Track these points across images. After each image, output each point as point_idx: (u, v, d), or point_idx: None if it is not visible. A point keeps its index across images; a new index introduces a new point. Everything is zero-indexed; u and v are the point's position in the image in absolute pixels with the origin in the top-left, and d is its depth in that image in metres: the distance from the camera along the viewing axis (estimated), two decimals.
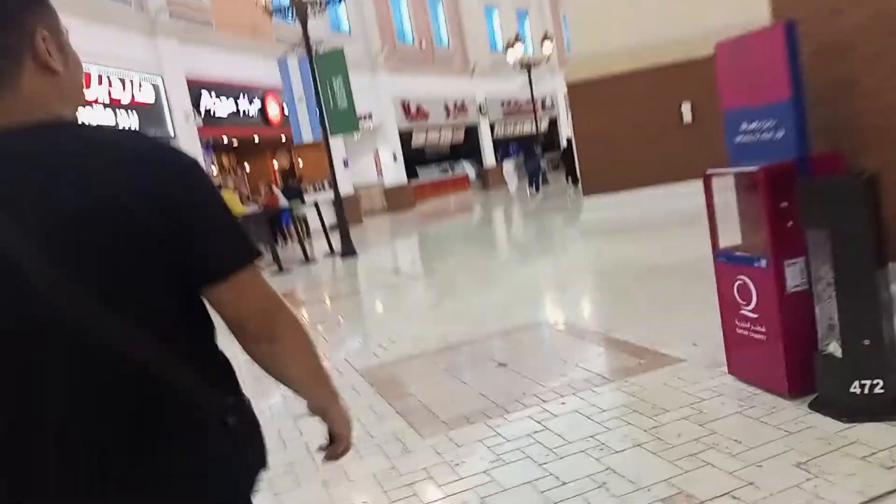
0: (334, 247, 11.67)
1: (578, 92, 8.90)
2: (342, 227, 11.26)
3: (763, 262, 2.96)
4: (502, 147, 24.57)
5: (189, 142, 12.97)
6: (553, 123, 29.68)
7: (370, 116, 20.10)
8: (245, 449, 1.01)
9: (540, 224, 12.18)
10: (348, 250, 11.14)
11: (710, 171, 3.30)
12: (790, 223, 2.92)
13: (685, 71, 8.49)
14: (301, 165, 19.11)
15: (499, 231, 13.04)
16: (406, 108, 22.36)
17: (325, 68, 10.92)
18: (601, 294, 5.84)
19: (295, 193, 15.21)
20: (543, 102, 28.41)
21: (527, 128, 28.09)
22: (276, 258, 10.85)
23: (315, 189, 17.53)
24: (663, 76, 8.56)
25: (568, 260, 8.17)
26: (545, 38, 22.26)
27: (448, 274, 8.39)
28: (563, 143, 21.92)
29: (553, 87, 28.71)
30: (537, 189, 18.96)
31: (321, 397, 1.13)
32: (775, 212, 2.90)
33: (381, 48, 21.20)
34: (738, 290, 3.14)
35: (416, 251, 12.23)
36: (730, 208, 3.40)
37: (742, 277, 3.10)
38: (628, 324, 4.51)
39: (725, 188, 3.40)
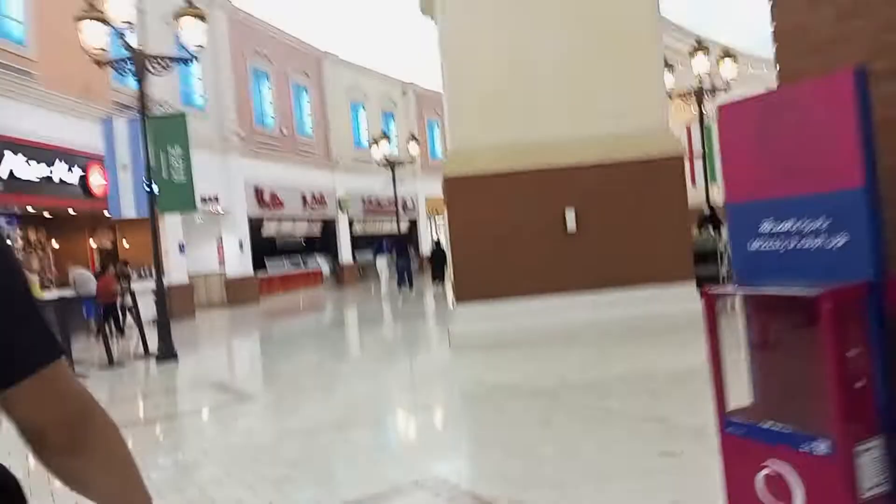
0: (150, 347, 9.49)
1: (456, 188, 7.94)
2: (162, 323, 9.18)
3: (822, 446, 1.81)
4: (375, 243, 23.33)
5: None
6: (413, 225, 29.17)
7: (216, 199, 18.14)
8: None
9: (406, 333, 10.78)
10: (167, 353, 9.04)
11: (712, 290, 2.16)
12: (861, 382, 1.83)
13: (571, 176, 7.87)
14: (126, 247, 16.53)
15: (356, 340, 11.46)
16: (259, 194, 20.65)
17: (161, 134, 9.21)
18: (495, 441, 4.50)
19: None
20: (405, 204, 27.93)
21: (386, 227, 27.29)
22: (68, 360, 8.52)
23: (141, 275, 15.03)
24: (548, 179, 7.86)
25: (442, 394, 6.50)
26: (411, 138, 21.92)
27: (291, 393, 6.69)
28: (431, 245, 21.20)
29: (414, 190, 28.45)
30: (410, 286, 18.45)
31: None
32: (843, 364, 1.79)
33: (236, 129, 19.63)
34: (766, 485, 1.95)
35: (255, 358, 10.27)
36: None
37: (776, 466, 1.92)
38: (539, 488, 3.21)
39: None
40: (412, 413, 5.45)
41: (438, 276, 18.44)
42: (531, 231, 7.85)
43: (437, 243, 20.35)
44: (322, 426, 4.93)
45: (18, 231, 14.09)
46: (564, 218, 7.84)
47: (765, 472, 1.95)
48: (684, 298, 7.70)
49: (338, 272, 24.31)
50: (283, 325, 13.95)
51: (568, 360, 6.46)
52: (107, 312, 12.01)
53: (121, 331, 11.89)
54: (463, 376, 6.49)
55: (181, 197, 9.38)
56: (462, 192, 7.90)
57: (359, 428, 4.84)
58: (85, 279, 12.63)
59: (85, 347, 10.63)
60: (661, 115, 8.12)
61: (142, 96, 9.06)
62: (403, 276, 18.67)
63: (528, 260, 7.81)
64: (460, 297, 7.92)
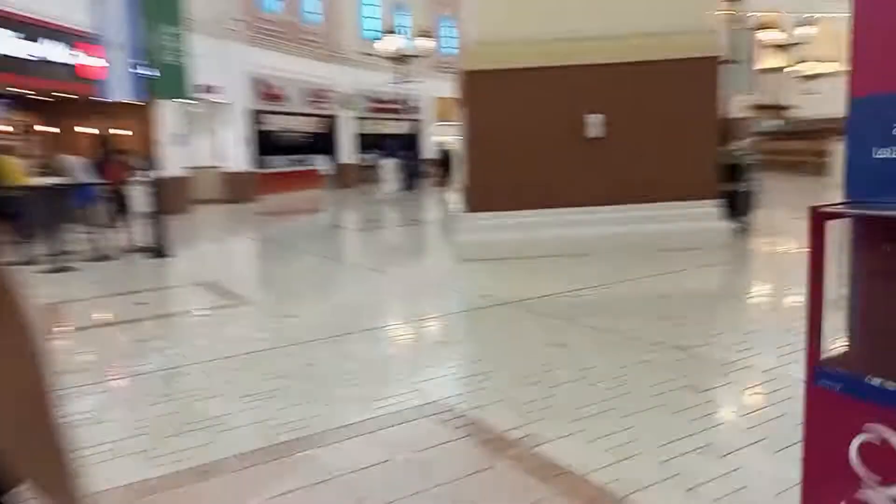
0: (143, 242, 9.11)
1: (478, 82, 7.28)
2: (156, 218, 8.77)
3: None
4: (382, 144, 22.23)
5: None
6: (418, 127, 28.19)
7: (215, 89, 17.27)
8: None
9: (410, 240, 10.38)
10: (160, 249, 8.67)
11: (823, 207, 1.69)
12: None
13: (600, 75, 7.21)
14: (119, 135, 15.86)
15: (358, 245, 11.07)
16: (260, 86, 19.72)
17: (154, 9, 8.41)
18: (503, 363, 4.15)
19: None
20: (411, 104, 26.89)
21: (391, 127, 26.40)
22: (54, 251, 8.16)
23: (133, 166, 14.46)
24: (575, 78, 7.21)
25: (447, 307, 5.83)
26: (423, 34, 20.67)
27: (286, 298, 6.36)
28: (438, 150, 20.34)
29: (422, 90, 27.28)
30: (415, 190, 17.97)
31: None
32: None
33: (236, 13, 18.44)
34: (863, 454, 1.57)
35: (251, 258, 9.92)
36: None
37: (880, 431, 1.54)
38: (548, 422, 2.90)
39: None
40: (414, 327, 5.11)
41: (445, 182, 17.91)
42: (553, 135, 7.28)
43: (445, 152, 19.63)
44: (318, 336, 4.60)
45: (8, 114, 13.43)
46: (588, 123, 7.25)
47: (864, 437, 1.57)
48: (707, 217, 7.27)
49: (339, 172, 23.67)
50: (282, 226, 13.56)
51: (582, 277, 6.08)
52: (113, 200, 11.60)
53: (114, 221, 11.50)
54: (470, 289, 6.13)
55: (175, 82, 8.70)
56: (484, 88, 7.26)
57: (357, 341, 4.51)
58: (74, 166, 12.11)
59: (75, 239, 10.23)
60: (697, 10, 7.34)
61: None
62: (411, 181, 18.15)
63: (546, 168, 7.29)
64: (472, 204, 7.45)
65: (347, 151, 24.11)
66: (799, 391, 1.72)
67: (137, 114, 15.65)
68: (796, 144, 19.30)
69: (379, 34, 21.07)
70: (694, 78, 7.21)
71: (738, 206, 7.80)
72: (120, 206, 11.65)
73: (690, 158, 7.20)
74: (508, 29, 7.16)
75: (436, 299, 6.11)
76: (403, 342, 4.69)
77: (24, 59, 11.64)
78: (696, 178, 7.22)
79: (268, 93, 20.07)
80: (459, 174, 9.39)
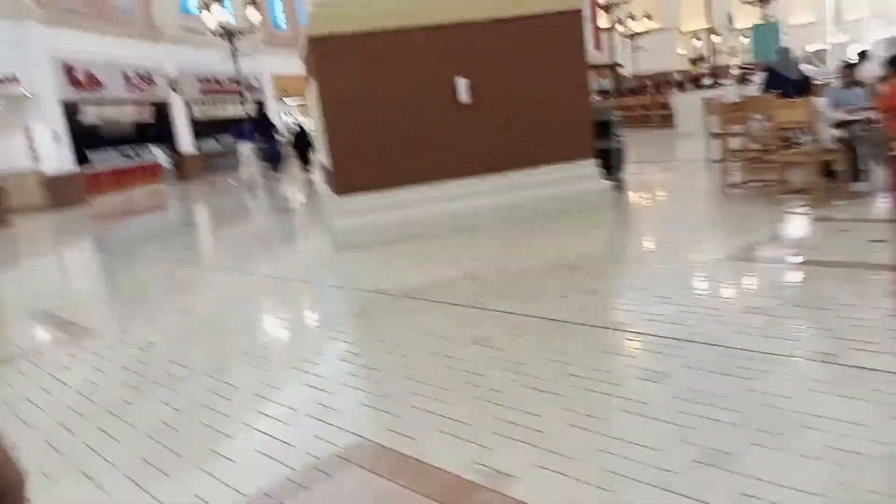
0: None
1: (326, 50, 6.52)
2: None
3: None
4: (235, 128, 20.08)
5: None
6: (260, 107, 26.39)
7: (14, 79, 14.87)
8: None
9: (279, 232, 9.30)
10: None
11: None
12: None
13: (462, 35, 6.75)
14: None
15: (219, 244, 9.87)
16: (71, 72, 17.30)
17: None
18: (424, 377, 3.61)
19: None
20: (249, 83, 25.11)
21: (230, 110, 24.50)
22: None
23: None
24: (436, 40, 6.70)
25: (334, 309, 5.27)
26: (250, 2, 19.11)
27: (138, 321, 5.37)
28: (292, 128, 19.04)
29: (259, 68, 25.57)
30: (278, 172, 17.15)
31: None
32: None
33: None
34: None
35: (90, 274, 8.48)
36: None
37: None
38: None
39: None
40: (300, 341, 4.40)
41: (304, 162, 16.94)
42: (419, 105, 6.73)
43: (300, 126, 18.55)
44: (182, 371, 3.80)
45: None
46: (455, 88, 6.78)
47: None
48: (587, 177, 7.13)
49: (179, 164, 21.63)
50: (121, 229, 11.98)
51: (475, 255, 5.68)
52: None
53: None
54: (356, 282, 5.47)
55: None
56: (333, 57, 6.52)
57: (235, 369, 3.77)
58: None
59: None
60: None
61: None
62: (272, 163, 17.20)
63: (416, 140, 6.75)
64: (341, 187, 6.75)
65: (185, 140, 22.04)
66: None
67: None
68: (639, 100, 20.24)
69: (199, 8, 19.21)
70: (560, 33, 6.95)
71: (611, 163, 7.76)
72: None
73: (565, 118, 6.99)
74: None
75: (318, 301, 5.43)
76: (288, 364, 3.93)
77: None
78: (573, 138, 7.03)
79: (82, 80, 17.67)
80: (320, 154, 8.62)
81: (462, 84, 6.76)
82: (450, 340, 3.69)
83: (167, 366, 3.91)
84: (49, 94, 16.36)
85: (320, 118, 6.87)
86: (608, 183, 7.27)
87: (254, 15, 19.16)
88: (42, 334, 5.26)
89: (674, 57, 37.26)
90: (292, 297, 5.52)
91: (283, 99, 28.00)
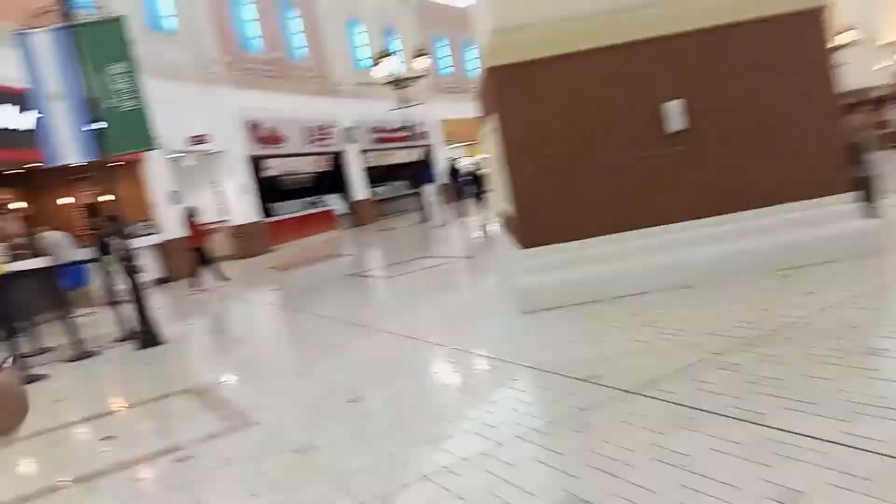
0: (131, 326, 7.53)
1: (506, 80, 5.64)
2: (138, 297, 7.20)
3: None
4: (419, 173, 20.72)
5: None
6: (428, 153, 26.65)
7: (205, 138, 15.90)
8: None
9: (455, 291, 8.41)
10: (148, 336, 7.09)
11: None
12: None
13: (669, 50, 5.56)
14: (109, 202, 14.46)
15: (391, 301, 9.35)
16: (256, 130, 18.35)
17: (97, 47, 6.93)
18: None
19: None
20: (418, 129, 25.47)
21: (399, 157, 24.95)
22: (33, 350, 6.64)
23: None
24: (637, 58, 5.57)
25: (543, 400, 4.01)
26: (419, 53, 19.24)
27: (305, 409, 4.69)
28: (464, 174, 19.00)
29: (427, 114, 25.85)
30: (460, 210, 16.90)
31: None
32: None
33: (218, 55, 17.14)
34: None
35: (261, 336, 8.12)
36: None
37: None
38: None
39: None
40: (505, 458, 3.32)
41: (480, 206, 16.72)
42: (619, 137, 5.61)
43: (454, 171, 18.44)
44: (353, 497, 2.92)
45: None
46: (663, 115, 5.58)
47: None
48: (841, 216, 5.54)
49: (353, 210, 22.18)
50: (296, 280, 11.94)
51: (706, 324, 4.35)
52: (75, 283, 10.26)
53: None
54: (560, 364, 4.21)
55: (134, 130, 7.15)
56: (516, 87, 5.62)
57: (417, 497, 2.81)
58: (59, 242, 10.65)
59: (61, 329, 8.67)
60: None
61: None
62: (456, 200, 17.28)
63: (616, 180, 5.62)
64: (527, 238, 5.77)
65: (359, 187, 22.63)
66: None
67: (125, 176, 14.29)
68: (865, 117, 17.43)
69: (372, 61, 19.69)
70: (797, 39, 5.53)
71: (867, 194, 6.05)
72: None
73: (809, 143, 5.49)
74: (534, 7, 5.56)
75: (516, 395, 4.05)
76: (480, 491, 2.88)
77: None
78: (820, 168, 5.50)
79: (265, 136, 18.68)
80: (498, 199, 7.75)
81: (673, 108, 5.54)
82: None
83: (322, 490, 3.06)
84: (237, 150, 17.38)
85: (501, 158, 5.97)
86: (869, 222, 5.61)
87: (422, 63, 19.24)
88: (195, 419, 4.73)
89: (872, 71, 32.66)
90: (481, 383, 4.47)
91: (450, 143, 28.11)
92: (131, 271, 7.37)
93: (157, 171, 14.59)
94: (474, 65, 30.56)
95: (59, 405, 5.44)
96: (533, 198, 5.73)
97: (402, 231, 17.64)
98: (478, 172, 17.76)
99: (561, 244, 5.65)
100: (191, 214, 12.15)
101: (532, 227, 5.75)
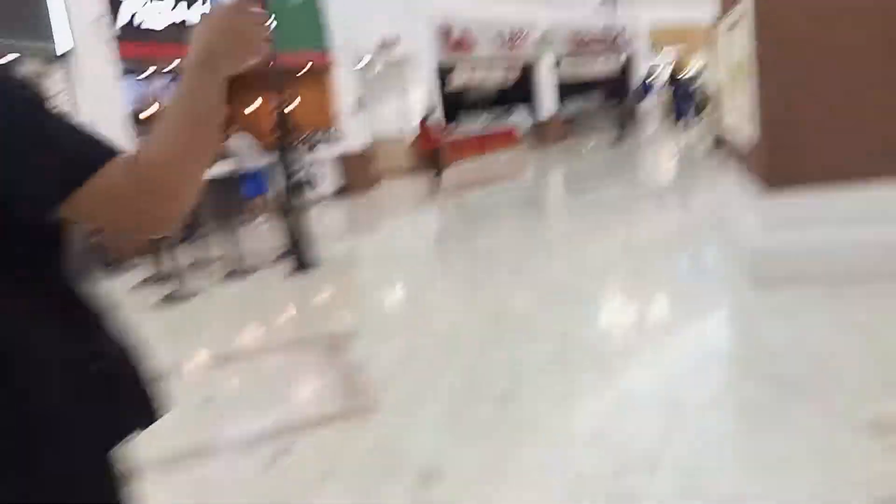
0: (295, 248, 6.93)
1: None
2: (290, 217, 6.54)
3: None
4: (640, 84, 19.02)
5: (96, 62, 8.37)
6: (628, 64, 23.75)
7: (395, 41, 15.06)
8: (100, 405, 0.84)
9: (663, 246, 6.38)
10: (301, 258, 6.46)
11: None
12: None
13: None
14: (295, 109, 14.35)
15: (571, 257, 7.96)
16: (447, 34, 17.15)
17: None
18: None
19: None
20: (619, 36, 22.69)
21: (596, 68, 22.50)
22: (166, 276, 6.31)
23: (305, 143, 12.78)
24: None
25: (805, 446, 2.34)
26: None
27: (438, 401, 3.60)
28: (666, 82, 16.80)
29: (632, 19, 22.85)
30: (685, 127, 15.15)
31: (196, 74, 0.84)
32: None
33: None
34: None
35: (417, 278, 6.55)
36: None
37: None
38: None
39: None
40: None
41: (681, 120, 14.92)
42: None
43: (682, 80, 15.94)
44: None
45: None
46: None
47: None
48: None
49: (540, 128, 20.54)
50: (469, 206, 10.91)
51: None
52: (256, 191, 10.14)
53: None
54: (842, 398, 2.62)
55: (304, 26, 6.27)
56: None
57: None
58: (243, 147, 10.56)
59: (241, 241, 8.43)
60: None
61: None
62: (681, 115, 15.51)
63: None
64: (775, 176, 4.04)
65: (548, 102, 20.79)
66: None
67: (310, 83, 14.03)
68: None
69: None
70: None
71: None
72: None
73: None
74: None
75: (752, 434, 2.61)
76: None
77: (170, 26, 10.10)
78: None
79: (456, 41, 17.46)
80: (728, 118, 5.89)
81: None
82: None
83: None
84: (426, 56, 16.41)
85: (749, 58, 4.18)
86: None
87: None
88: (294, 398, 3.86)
89: None
90: (688, 409, 2.88)
91: (658, 53, 24.89)
92: (295, 186, 6.72)
93: (343, 79, 14.10)
94: None
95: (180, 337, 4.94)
96: (794, 113, 3.94)
97: (595, 154, 15.83)
98: (696, 86, 15.32)
99: (830, 188, 3.86)
100: (426, 116, 12.05)
101: (786, 158, 3.99)
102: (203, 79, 0.83)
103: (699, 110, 14.94)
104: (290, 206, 6.55)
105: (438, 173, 12.23)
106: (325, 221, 10.48)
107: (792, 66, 3.87)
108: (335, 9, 13.39)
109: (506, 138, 19.10)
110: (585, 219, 7.89)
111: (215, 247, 7.44)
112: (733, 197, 5.21)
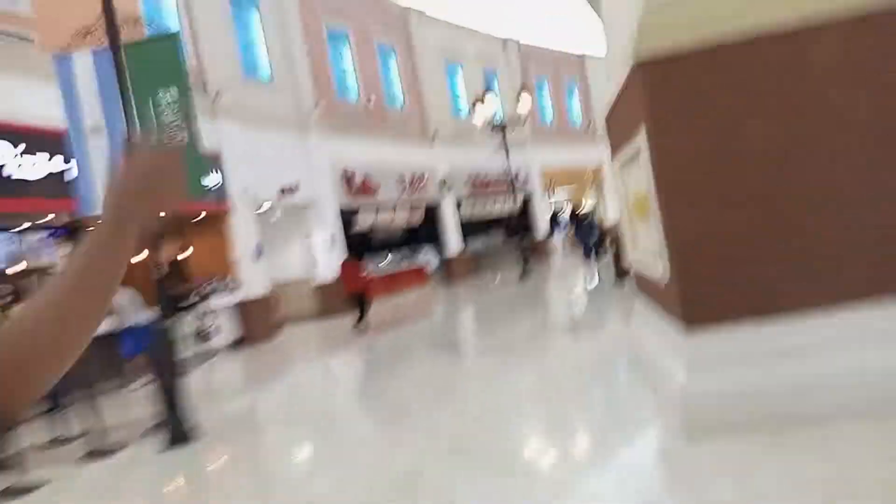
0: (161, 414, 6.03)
1: (666, 76, 3.79)
2: (166, 379, 5.70)
3: None
4: (550, 220, 20.23)
5: None
6: (526, 204, 24.79)
7: (296, 188, 14.90)
8: None
9: (582, 392, 6.49)
10: (178, 430, 5.55)
11: None
12: None
13: None
14: (187, 258, 13.60)
15: (487, 401, 7.46)
16: (349, 179, 17.29)
17: (145, 69, 5.71)
18: None
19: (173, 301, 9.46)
20: (515, 178, 23.85)
21: (496, 207, 23.30)
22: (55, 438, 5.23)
23: (199, 293, 11.97)
24: (870, 34, 3.59)
25: None
26: (522, 89, 17.70)
27: None
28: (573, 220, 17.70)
29: (527, 162, 24.19)
30: (595, 261, 15.60)
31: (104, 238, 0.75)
32: None
33: (314, 103, 16.35)
34: None
35: (358, 423, 6.25)
36: None
37: None
38: None
39: None
40: None
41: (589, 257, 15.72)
42: (855, 158, 3.60)
43: (583, 216, 16.76)
44: None
45: (57, 248, 11.38)
46: None
47: None
48: None
49: (446, 265, 20.62)
50: (378, 351, 10.32)
51: None
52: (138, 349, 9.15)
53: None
54: None
55: (187, 166, 5.82)
56: (682, 88, 3.76)
57: None
58: (125, 302, 9.60)
59: (121, 407, 7.31)
60: None
61: (109, 14, 5.56)
62: (587, 250, 16.14)
63: (852, 222, 3.58)
64: (695, 314, 3.78)
65: (453, 240, 21.06)
66: None
67: (206, 231, 13.44)
68: None
69: (471, 106, 18.40)
70: None
71: None
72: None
73: None
74: None
75: None
76: None
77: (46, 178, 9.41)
78: None
79: (358, 186, 17.59)
80: (634, 254, 5.79)
81: None
82: None
83: None
84: (328, 201, 16.32)
85: (650, 194, 4.07)
86: None
87: (525, 103, 17.68)
88: None
89: None
90: None
91: (550, 192, 26.23)
92: (171, 342, 5.93)
93: (242, 225, 13.62)
94: (577, 110, 28.85)
95: None
96: (701, 250, 3.77)
97: (503, 289, 15.82)
98: (595, 221, 16.24)
99: (746, 324, 3.63)
100: (349, 257, 12.35)
101: (701, 296, 3.77)
102: (110, 240, 0.76)
103: (601, 244, 15.49)
104: (169, 366, 5.73)
105: (364, 313, 11.98)
106: (220, 377, 9.53)
107: (697, 199, 3.76)
108: (233, 156, 13.22)
109: (416, 276, 18.93)
110: (498, 360, 7.46)
111: (78, 419, 6.38)
112: (649, 335, 4.95)
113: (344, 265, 12.32)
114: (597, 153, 27.31)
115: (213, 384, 9.19)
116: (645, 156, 4.03)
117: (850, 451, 3.01)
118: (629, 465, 3.63)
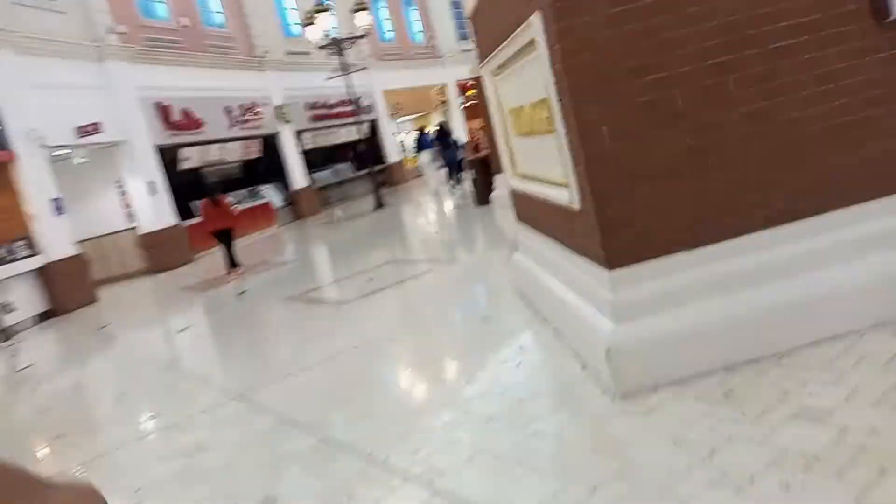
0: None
1: None
2: None
3: None
4: (418, 139, 19.05)
5: None
6: (373, 129, 23.40)
7: (98, 127, 12.48)
8: None
9: (471, 344, 5.69)
10: None
11: None
12: None
13: None
14: None
15: (374, 382, 6.38)
16: (165, 113, 14.96)
17: None
18: None
19: None
20: (359, 102, 22.32)
21: (343, 136, 21.76)
22: None
23: None
24: None
25: None
26: (359, 7, 16.07)
27: None
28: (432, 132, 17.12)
29: (370, 85, 22.63)
30: (458, 182, 15.49)
31: None
32: None
33: (112, 25, 13.69)
34: None
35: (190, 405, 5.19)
36: None
37: None
38: None
39: None
40: None
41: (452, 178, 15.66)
42: (801, 40, 2.91)
43: (441, 128, 16.17)
44: None
45: None
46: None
47: None
48: None
49: (293, 201, 19.01)
50: (210, 308, 8.95)
51: None
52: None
53: None
54: None
55: None
56: None
57: None
58: None
59: None
60: None
61: None
62: (451, 171, 15.80)
63: (801, 118, 2.94)
64: (617, 251, 3.00)
65: (298, 174, 19.36)
66: None
67: None
68: None
69: (303, 23, 16.49)
70: None
71: None
72: None
73: None
74: None
75: None
76: None
77: None
78: None
79: (178, 121, 15.31)
80: (515, 175, 4.95)
81: None
82: None
83: None
84: (142, 139, 14.00)
85: (564, 111, 3.17)
86: None
87: (362, 19, 16.10)
88: None
89: None
90: None
91: (396, 117, 25.05)
92: None
93: (35, 174, 11.20)
94: (417, 27, 27.40)
95: None
96: (621, 175, 2.97)
97: (356, 222, 14.71)
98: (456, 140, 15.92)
99: (690, 253, 2.94)
100: (213, 194, 11.13)
101: (624, 230, 2.99)
102: None
103: (462, 163, 15.21)
104: None
105: (232, 254, 10.79)
106: (22, 360, 7.73)
107: (616, 102, 2.91)
108: (8, 93, 10.69)
109: (259, 216, 17.17)
110: (369, 303, 6.48)
111: None
112: (546, 274, 4.19)
113: (206, 203, 10.94)
114: (442, 71, 26.33)
115: (14, 367, 7.42)
116: (543, 51, 3.10)
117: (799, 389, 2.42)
118: (559, 442, 2.86)
